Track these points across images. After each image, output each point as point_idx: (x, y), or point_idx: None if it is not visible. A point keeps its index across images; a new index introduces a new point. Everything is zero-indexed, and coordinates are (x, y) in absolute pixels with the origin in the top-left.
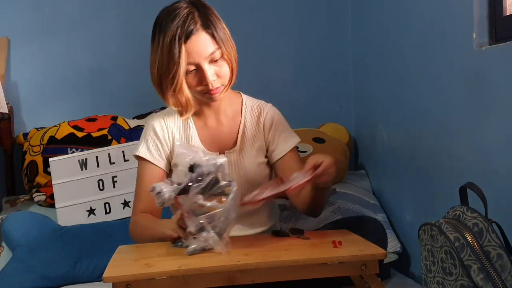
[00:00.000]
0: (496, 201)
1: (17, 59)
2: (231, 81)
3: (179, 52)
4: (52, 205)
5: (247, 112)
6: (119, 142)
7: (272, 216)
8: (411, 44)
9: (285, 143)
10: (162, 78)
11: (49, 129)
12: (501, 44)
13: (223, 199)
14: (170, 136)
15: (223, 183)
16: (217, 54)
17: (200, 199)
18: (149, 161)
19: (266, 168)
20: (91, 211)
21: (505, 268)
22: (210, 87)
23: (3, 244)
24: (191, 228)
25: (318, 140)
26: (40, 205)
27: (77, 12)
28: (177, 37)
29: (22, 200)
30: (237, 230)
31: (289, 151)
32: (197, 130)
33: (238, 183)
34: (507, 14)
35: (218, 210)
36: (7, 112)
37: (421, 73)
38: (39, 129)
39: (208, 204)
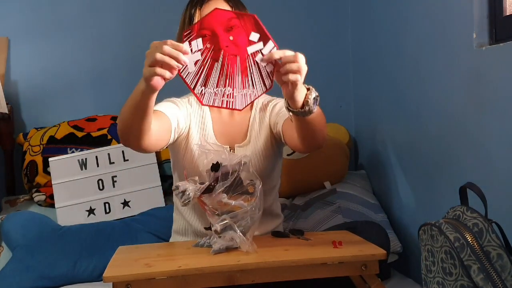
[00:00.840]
0: (496, 201)
1: (17, 59)
2: None
3: (194, 16)
4: (52, 205)
5: (257, 107)
6: (119, 142)
7: (276, 218)
8: (411, 44)
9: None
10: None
11: (49, 129)
12: (501, 44)
13: (249, 198)
14: (187, 112)
15: (247, 182)
16: (234, 22)
17: (225, 198)
18: (161, 111)
19: (275, 160)
20: (91, 211)
21: (505, 268)
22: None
23: (3, 244)
24: (217, 227)
25: None
26: (40, 205)
27: (77, 12)
28: (193, 3)
29: (22, 200)
30: None
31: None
32: (212, 121)
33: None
34: (507, 14)
35: (244, 209)
36: (7, 112)
37: (421, 73)
38: (39, 129)
39: (234, 203)
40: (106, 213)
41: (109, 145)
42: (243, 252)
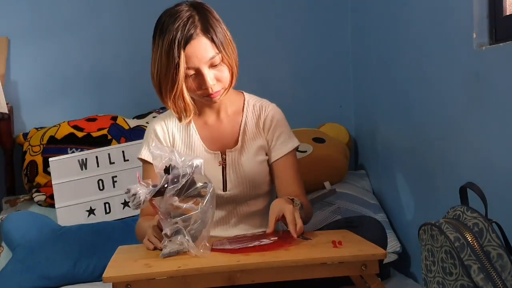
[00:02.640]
0: (496, 201)
1: (17, 59)
2: (231, 84)
3: (179, 56)
4: (52, 205)
5: (248, 111)
6: (119, 142)
7: None
8: (411, 44)
9: (282, 146)
10: (161, 82)
11: (49, 129)
12: (501, 44)
13: (199, 200)
14: (171, 138)
15: (199, 184)
16: (217, 59)
17: (176, 201)
18: (151, 163)
19: (267, 166)
20: (91, 211)
21: (505, 268)
22: (210, 91)
23: (3, 244)
24: (167, 230)
25: (318, 140)
26: (40, 205)
27: (76, 12)
28: (176, 41)
29: (22, 200)
30: (241, 231)
31: (284, 154)
32: (197, 129)
33: (240, 182)
34: (507, 14)
35: (194, 212)
36: (7, 112)
37: (421, 73)
38: (39, 129)
39: (184, 206)
40: (106, 213)
41: (109, 145)
42: (243, 252)
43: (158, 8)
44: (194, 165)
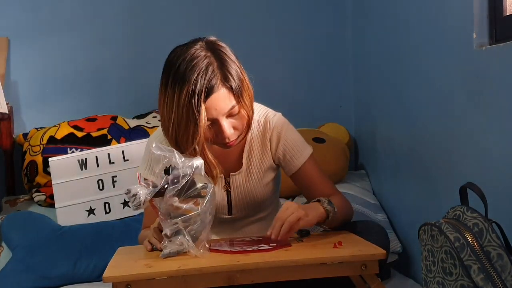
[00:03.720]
0: (496, 201)
1: (17, 59)
2: (248, 130)
3: (199, 111)
4: (52, 205)
5: (253, 129)
6: (119, 142)
7: None
8: (411, 44)
9: (297, 157)
10: (178, 135)
11: (49, 129)
12: (501, 44)
13: (199, 201)
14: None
15: (199, 185)
16: (236, 109)
17: (176, 202)
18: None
19: (273, 185)
20: (91, 211)
21: (505, 268)
22: (227, 140)
23: (3, 244)
24: (167, 231)
25: (318, 140)
26: (40, 205)
27: (77, 12)
28: (196, 95)
29: (22, 200)
30: (250, 234)
31: (302, 165)
32: None
33: (244, 205)
34: (507, 14)
35: (194, 212)
36: (7, 112)
37: (421, 73)
38: (39, 129)
39: (184, 206)
40: (106, 213)
41: (109, 145)
42: (243, 252)
43: (158, 8)
44: (194, 165)
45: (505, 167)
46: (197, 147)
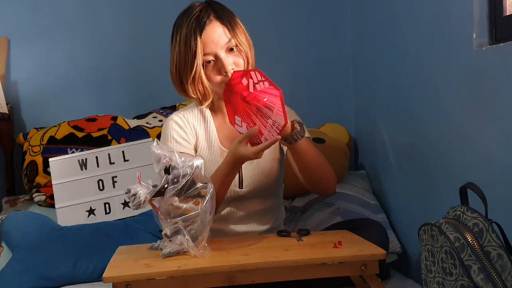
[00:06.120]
0: (496, 201)
1: (17, 59)
2: (248, 68)
3: (196, 44)
4: (52, 205)
5: None
6: (119, 142)
7: (279, 215)
8: (411, 44)
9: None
10: (181, 72)
11: (49, 129)
12: (501, 44)
13: (199, 200)
14: (192, 129)
15: (199, 185)
16: (233, 43)
17: (176, 201)
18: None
19: (279, 163)
20: (91, 211)
21: (505, 268)
22: (230, 75)
23: (3, 244)
24: (167, 230)
25: (318, 140)
26: (40, 205)
27: (77, 12)
28: (192, 30)
29: (22, 200)
30: (249, 227)
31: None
32: (216, 127)
33: (255, 179)
34: (507, 14)
35: (194, 212)
36: (7, 112)
37: (421, 73)
38: (39, 129)
39: (184, 206)
40: (106, 213)
41: (109, 145)
42: (243, 252)
43: (158, 8)
44: (195, 165)
45: (505, 167)
46: (196, 75)
